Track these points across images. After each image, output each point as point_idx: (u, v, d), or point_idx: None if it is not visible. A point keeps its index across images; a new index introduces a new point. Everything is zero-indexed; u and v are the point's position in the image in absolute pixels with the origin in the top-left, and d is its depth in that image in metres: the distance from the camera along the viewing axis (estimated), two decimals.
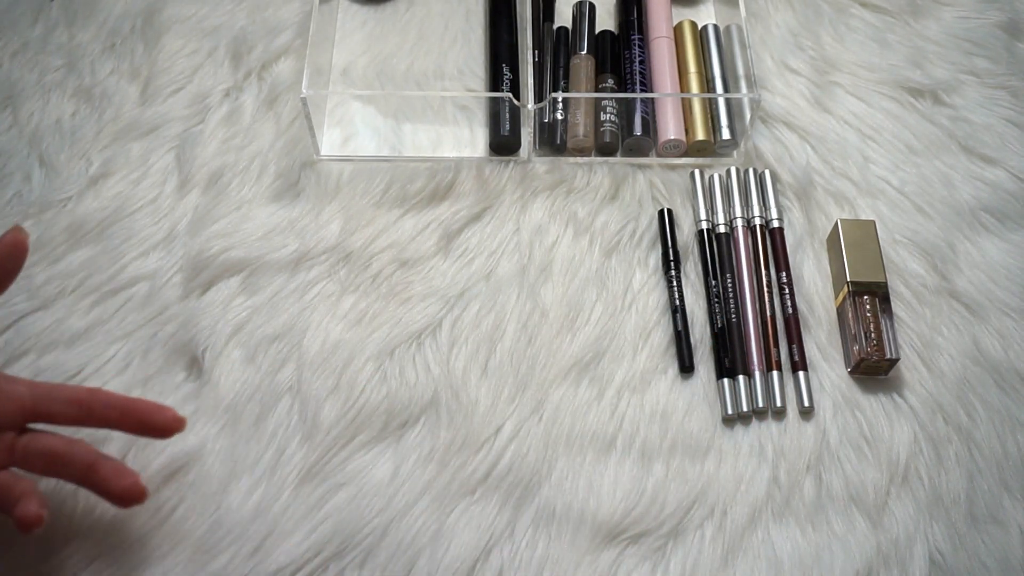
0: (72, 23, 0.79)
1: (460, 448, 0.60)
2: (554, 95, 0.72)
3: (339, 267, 0.66)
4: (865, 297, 0.63)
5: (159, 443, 0.59)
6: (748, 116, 0.70)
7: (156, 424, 0.53)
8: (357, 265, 0.66)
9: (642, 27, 0.77)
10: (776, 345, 0.64)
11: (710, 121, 0.73)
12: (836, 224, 0.66)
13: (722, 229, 0.68)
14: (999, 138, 0.73)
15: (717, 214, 0.69)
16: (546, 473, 0.59)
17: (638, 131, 0.71)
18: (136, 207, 0.69)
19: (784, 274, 0.66)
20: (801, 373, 0.63)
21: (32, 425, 0.53)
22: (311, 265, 0.66)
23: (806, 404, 0.62)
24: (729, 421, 0.61)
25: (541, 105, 0.71)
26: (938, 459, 0.60)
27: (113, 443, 0.59)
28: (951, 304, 0.66)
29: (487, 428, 0.60)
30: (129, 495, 0.51)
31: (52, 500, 0.57)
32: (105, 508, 0.57)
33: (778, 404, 0.62)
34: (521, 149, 0.72)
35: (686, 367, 0.63)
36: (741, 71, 0.73)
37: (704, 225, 0.68)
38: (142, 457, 0.59)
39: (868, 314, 0.62)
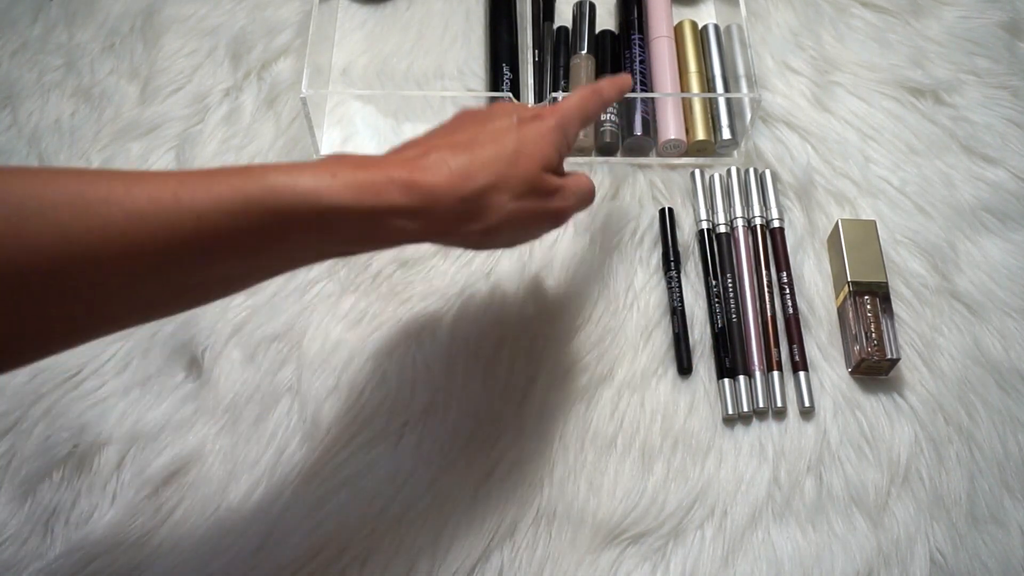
0: (71, 23, 0.79)
1: (461, 448, 0.60)
2: (554, 95, 0.72)
3: (339, 267, 0.66)
4: (866, 297, 0.63)
5: (159, 443, 0.59)
6: (748, 116, 0.70)
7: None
8: (357, 265, 0.66)
9: (642, 27, 0.77)
10: (776, 345, 0.64)
11: (710, 121, 0.73)
12: (837, 224, 0.66)
13: (722, 229, 0.68)
14: (1000, 138, 0.73)
15: (717, 214, 0.69)
16: (547, 473, 0.59)
17: (638, 131, 0.71)
18: None
19: (784, 274, 0.66)
20: (801, 373, 0.63)
21: None
22: (311, 265, 0.66)
23: (806, 404, 0.61)
24: (729, 421, 0.61)
25: (541, 105, 0.71)
26: (939, 459, 0.60)
27: (113, 446, 0.59)
28: (952, 304, 0.66)
29: (487, 428, 0.60)
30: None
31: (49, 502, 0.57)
32: (103, 509, 0.57)
33: (778, 404, 0.62)
34: None
35: (684, 369, 0.63)
36: (741, 71, 0.73)
37: (704, 225, 0.68)
38: (142, 457, 0.59)
39: (869, 314, 0.62)
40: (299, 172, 0.44)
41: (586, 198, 0.56)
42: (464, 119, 0.53)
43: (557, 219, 0.54)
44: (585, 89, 0.57)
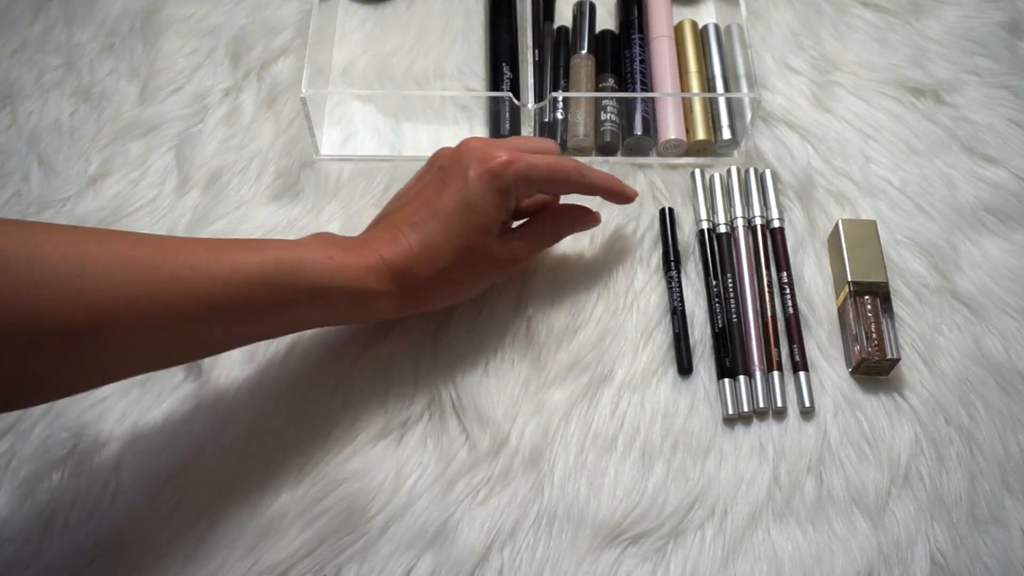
0: (71, 22, 0.79)
1: (460, 448, 0.60)
2: (554, 95, 0.72)
3: None
4: (866, 297, 0.63)
5: (159, 443, 0.59)
6: (749, 116, 0.70)
7: (622, 195, 0.64)
8: None
9: (642, 26, 0.77)
10: (777, 345, 0.63)
11: (711, 121, 0.73)
12: (837, 224, 0.66)
13: (723, 229, 0.68)
14: (1001, 138, 0.73)
15: (718, 214, 0.69)
16: (547, 473, 0.59)
17: (638, 131, 0.71)
18: (135, 207, 0.69)
19: (785, 274, 0.66)
20: (802, 373, 0.63)
21: None
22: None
23: (807, 404, 0.61)
24: (730, 421, 0.61)
25: (541, 105, 0.71)
26: (939, 459, 0.60)
27: (113, 446, 0.59)
28: (952, 304, 0.66)
29: (487, 428, 0.60)
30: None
31: (53, 499, 0.57)
32: (103, 508, 0.57)
33: (779, 404, 0.61)
34: None
35: (684, 369, 0.63)
36: (742, 70, 0.73)
37: (705, 225, 0.68)
38: (142, 457, 0.59)
39: (869, 314, 0.62)
40: (302, 251, 0.53)
41: (541, 244, 0.64)
42: (427, 183, 0.58)
43: (509, 271, 0.62)
44: (567, 163, 0.60)
